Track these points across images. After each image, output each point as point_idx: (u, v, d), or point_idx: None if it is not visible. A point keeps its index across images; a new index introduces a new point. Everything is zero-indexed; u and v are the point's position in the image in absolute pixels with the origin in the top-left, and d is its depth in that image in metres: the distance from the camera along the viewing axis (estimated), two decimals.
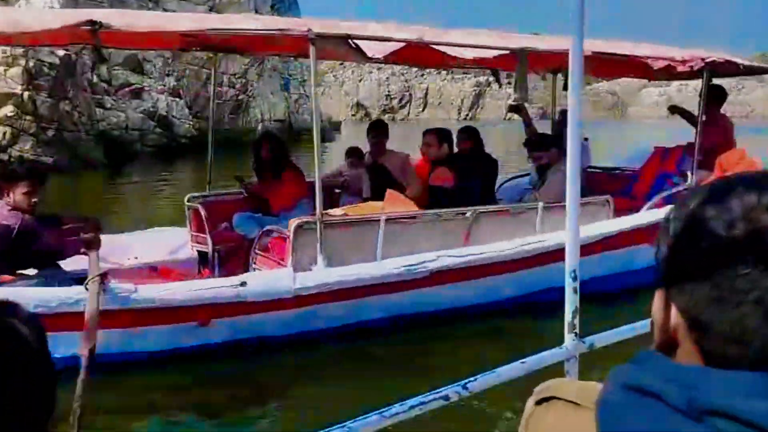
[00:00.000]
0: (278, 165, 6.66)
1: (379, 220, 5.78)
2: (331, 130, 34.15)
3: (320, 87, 75.79)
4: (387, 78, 76.81)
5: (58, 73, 19.39)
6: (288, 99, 31.47)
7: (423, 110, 75.29)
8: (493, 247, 6.09)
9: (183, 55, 22.56)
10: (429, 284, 5.82)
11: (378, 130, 7.35)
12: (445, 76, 76.76)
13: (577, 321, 2.03)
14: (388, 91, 75.63)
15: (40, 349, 0.88)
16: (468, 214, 6.17)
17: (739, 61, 7.33)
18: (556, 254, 6.19)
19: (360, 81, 76.25)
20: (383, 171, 6.77)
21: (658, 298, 0.80)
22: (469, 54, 6.02)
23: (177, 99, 25.00)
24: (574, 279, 2.03)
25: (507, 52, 6.14)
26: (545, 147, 7.01)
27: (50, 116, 19.36)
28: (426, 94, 76.80)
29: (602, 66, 7.64)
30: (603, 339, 2.10)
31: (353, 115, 71.53)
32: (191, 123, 25.22)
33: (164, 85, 24.46)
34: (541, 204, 6.50)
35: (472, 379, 1.83)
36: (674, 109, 8.59)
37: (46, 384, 0.89)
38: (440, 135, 6.75)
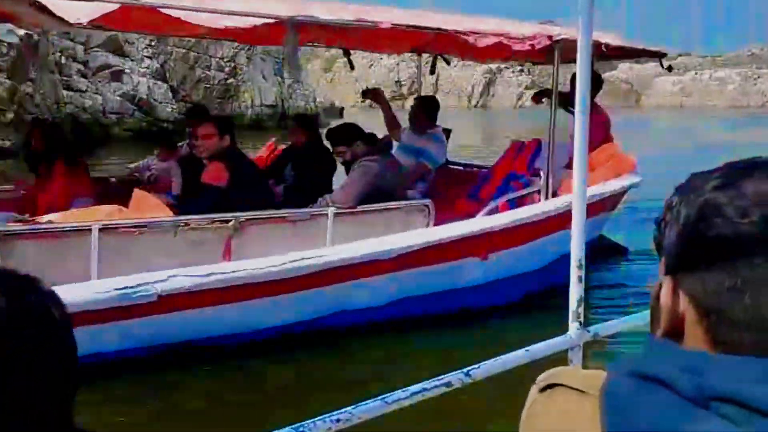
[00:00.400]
0: (51, 157, 5.63)
1: (90, 230, 4.52)
2: (324, 116, 33.75)
3: (330, 73, 76.02)
4: (397, 64, 76.69)
5: (18, 53, 18.85)
6: (281, 84, 31.00)
7: None
8: (249, 265, 4.83)
9: (169, 38, 22.00)
10: (158, 311, 4.58)
11: (195, 117, 6.29)
12: (456, 63, 76.59)
13: (581, 310, 2.03)
14: (398, 78, 75.56)
15: (65, 324, 0.88)
16: (231, 222, 4.93)
17: (602, 40, 6.04)
18: (345, 272, 5.16)
19: (370, 67, 76.21)
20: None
21: (665, 285, 0.79)
22: (224, 23, 4.85)
23: (159, 82, 24.52)
24: (579, 267, 2.03)
25: (272, 21, 4.91)
26: (348, 140, 5.76)
27: (9, 98, 18.83)
28: (437, 81, 76.72)
29: (424, 43, 6.56)
30: (607, 328, 2.09)
31: (362, 101, 71.46)
32: (174, 106, 24.70)
33: (147, 68, 24.00)
34: (331, 210, 5.27)
35: (475, 366, 1.83)
36: (541, 95, 7.33)
37: (73, 360, 0.88)
38: (220, 124, 5.55)
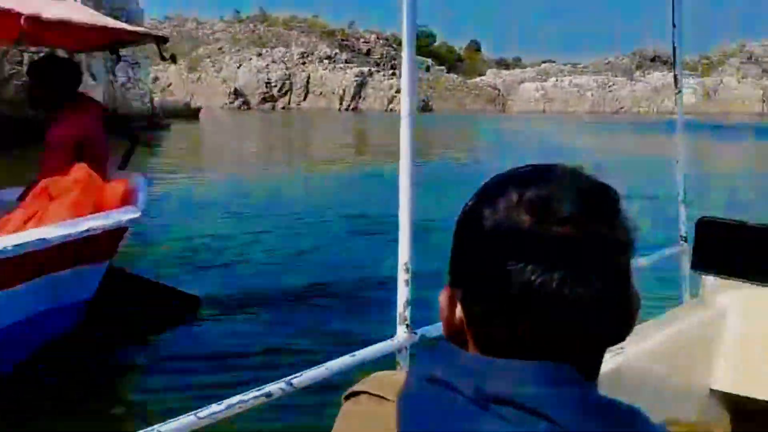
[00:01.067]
0: None
1: None
2: (166, 117, 32.21)
3: (196, 72, 74.14)
4: (267, 65, 75.96)
5: None
6: (113, 83, 29.34)
7: (304, 99, 75.00)
8: None
9: None
10: None
11: None
12: (327, 65, 76.70)
13: (408, 313, 2.04)
14: (268, 79, 74.74)
15: None
16: None
17: (45, 15, 4.35)
18: None
19: (238, 67, 74.96)
20: None
21: (444, 294, 0.82)
22: None
23: None
24: (407, 271, 2.03)
25: None
26: None
27: None
28: (308, 82, 76.46)
29: None
30: (435, 330, 2.11)
31: (231, 102, 70.24)
32: None
33: None
34: None
35: (297, 374, 1.78)
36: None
37: None
38: None
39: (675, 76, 3.13)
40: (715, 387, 2.93)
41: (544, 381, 0.71)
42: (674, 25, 2.96)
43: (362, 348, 1.91)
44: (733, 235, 0.80)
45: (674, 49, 3.05)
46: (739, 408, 2.97)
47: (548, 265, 0.72)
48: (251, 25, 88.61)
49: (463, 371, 0.74)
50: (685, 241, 3.04)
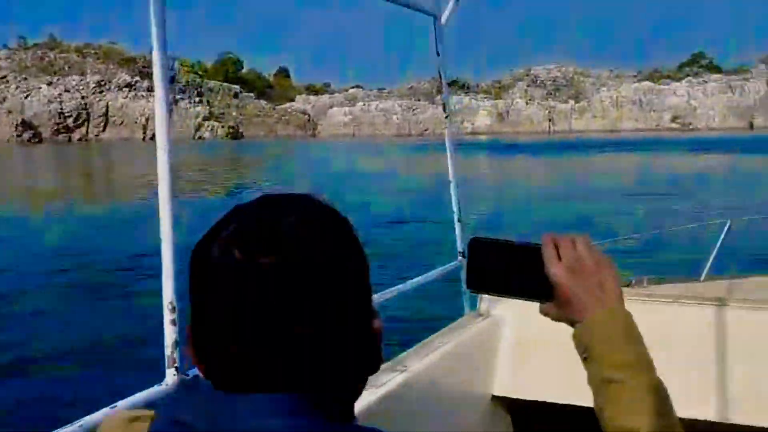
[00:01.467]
0: None
1: None
2: None
3: None
4: (59, 94, 71.36)
5: None
6: None
7: (104, 130, 71.27)
8: None
9: None
10: None
11: None
12: (127, 93, 73.51)
13: (177, 354, 1.94)
14: (62, 109, 70.29)
15: None
16: None
17: None
18: None
19: (26, 97, 69.85)
20: None
21: (187, 332, 0.79)
22: None
23: None
24: (173, 311, 1.94)
25: None
26: None
27: None
28: (106, 111, 72.74)
29: None
30: None
31: (19, 135, 65.16)
32: None
33: None
34: None
35: None
36: None
37: None
38: None
39: (443, 103, 3.28)
40: (496, 393, 3.09)
41: (276, 413, 0.71)
42: (438, 54, 3.12)
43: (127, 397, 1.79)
44: (501, 254, 0.87)
45: (440, 75, 3.20)
46: (519, 410, 3.16)
47: (257, 295, 0.72)
48: (40, 53, 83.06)
49: (203, 409, 0.73)
50: (464, 256, 3.20)
